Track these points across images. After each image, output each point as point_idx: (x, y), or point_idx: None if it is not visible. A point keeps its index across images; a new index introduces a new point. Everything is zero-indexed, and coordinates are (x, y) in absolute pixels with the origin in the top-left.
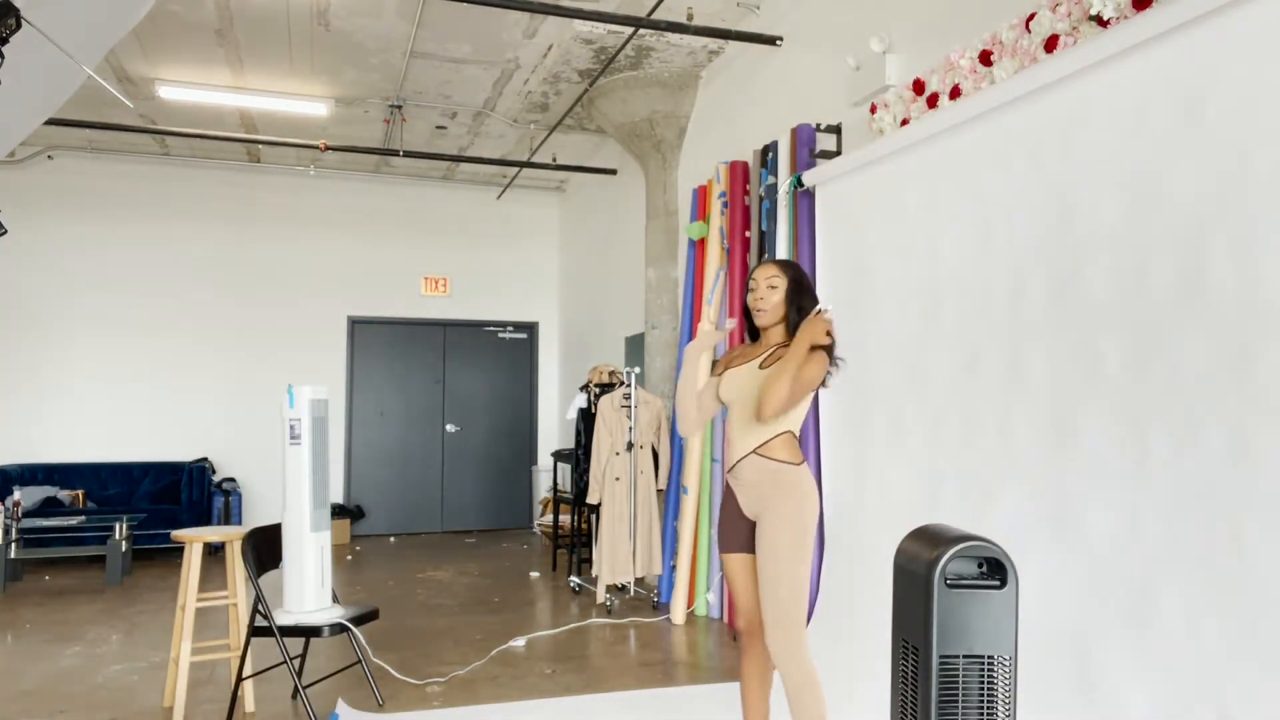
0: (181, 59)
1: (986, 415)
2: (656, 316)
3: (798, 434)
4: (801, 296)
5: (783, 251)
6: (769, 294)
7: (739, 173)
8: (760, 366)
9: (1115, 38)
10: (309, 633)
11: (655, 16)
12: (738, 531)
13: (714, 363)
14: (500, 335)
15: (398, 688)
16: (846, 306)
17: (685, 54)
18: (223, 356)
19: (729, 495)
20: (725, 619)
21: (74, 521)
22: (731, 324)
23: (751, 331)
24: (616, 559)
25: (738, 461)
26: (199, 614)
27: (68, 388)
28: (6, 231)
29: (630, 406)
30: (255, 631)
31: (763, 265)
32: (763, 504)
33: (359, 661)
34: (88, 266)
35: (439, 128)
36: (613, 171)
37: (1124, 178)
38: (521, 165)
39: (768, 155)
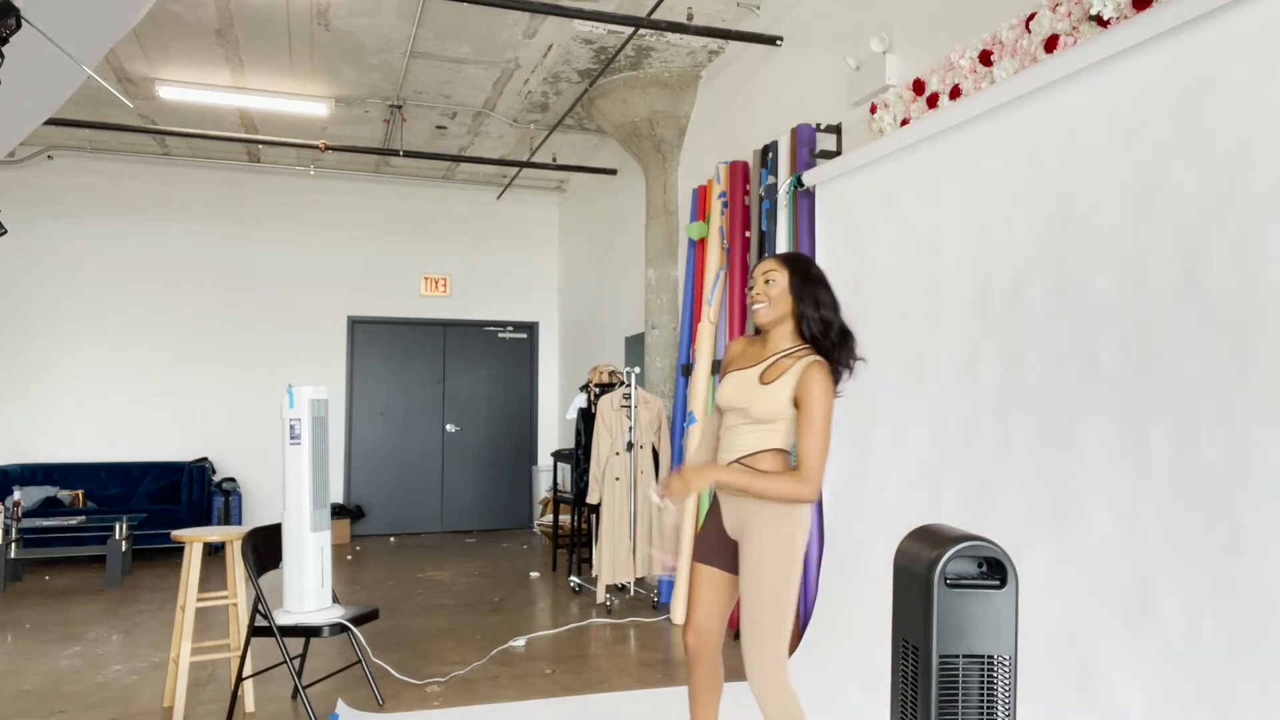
0: (181, 59)
1: (986, 415)
2: (656, 316)
3: (789, 449)
4: (811, 288)
5: (783, 251)
6: (765, 289)
7: (739, 173)
8: (761, 380)
9: (1115, 38)
10: (309, 633)
11: (655, 16)
12: (718, 547)
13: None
14: (500, 335)
15: (398, 688)
16: (847, 306)
17: (685, 54)
18: (223, 356)
19: (715, 507)
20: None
21: (74, 521)
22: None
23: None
24: (616, 559)
25: None
26: (199, 614)
27: (68, 387)
28: (6, 231)
29: (630, 406)
30: (255, 631)
31: (762, 260)
32: (744, 524)
33: (359, 661)
34: (87, 266)
35: (439, 128)
36: (613, 171)
37: (1124, 178)
38: (521, 165)
39: (768, 155)
